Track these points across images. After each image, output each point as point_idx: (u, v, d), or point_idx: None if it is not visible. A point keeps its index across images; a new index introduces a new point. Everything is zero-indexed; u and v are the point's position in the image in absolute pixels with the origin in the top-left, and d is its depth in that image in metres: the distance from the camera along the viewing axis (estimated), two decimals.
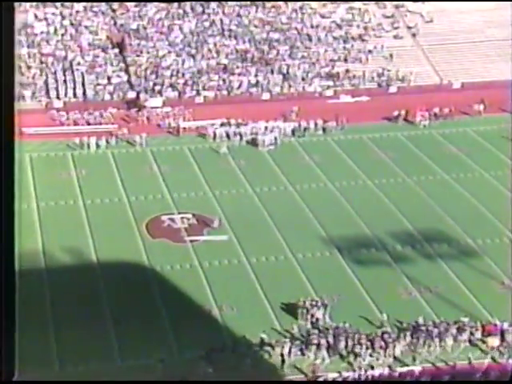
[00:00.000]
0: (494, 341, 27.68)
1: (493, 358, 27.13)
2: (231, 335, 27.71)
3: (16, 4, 48.07)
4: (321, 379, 25.85)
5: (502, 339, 27.78)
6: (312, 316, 28.61)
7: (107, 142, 43.15)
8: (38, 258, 31.97)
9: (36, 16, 53.33)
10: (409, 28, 57.50)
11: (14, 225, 11.91)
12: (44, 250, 32.62)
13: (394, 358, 26.86)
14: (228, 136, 44.40)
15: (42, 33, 52.32)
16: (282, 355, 26.67)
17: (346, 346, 27.08)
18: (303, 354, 26.97)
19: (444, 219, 36.22)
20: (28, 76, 49.26)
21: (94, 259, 32.36)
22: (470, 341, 27.96)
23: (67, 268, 31.90)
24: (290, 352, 26.72)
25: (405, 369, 26.46)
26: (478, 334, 28.01)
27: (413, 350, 27.35)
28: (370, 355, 26.80)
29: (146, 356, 26.26)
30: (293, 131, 45.14)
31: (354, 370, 26.24)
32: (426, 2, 58.94)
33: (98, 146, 42.73)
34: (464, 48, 55.21)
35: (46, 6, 53.71)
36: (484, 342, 27.88)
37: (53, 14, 53.81)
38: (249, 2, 56.80)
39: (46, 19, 53.32)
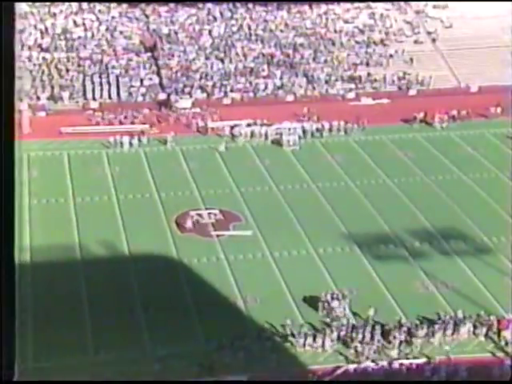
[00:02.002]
0: (508, 335, 27.88)
1: (506, 352, 27.31)
2: (255, 326, 28.19)
3: (57, 11, 49.50)
4: (342, 370, 26.13)
5: None
6: (332, 308, 28.81)
7: (139, 140, 43.93)
8: (74, 251, 32.94)
9: (75, 22, 54.44)
10: (429, 33, 57.59)
11: (14, 224, 11.82)
12: (80, 243, 33.51)
13: (411, 350, 27.15)
14: (253, 136, 44.99)
15: (79, 38, 53.44)
16: (304, 345, 27.10)
17: (365, 338, 27.23)
18: (323, 345, 27.18)
19: (460, 217, 36.32)
20: (66, 78, 50.36)
21: (126, 252, 33.11)
22: (485, 335, 28.00)
23: (101, 260, 32.36)
24: (314, 342, 27.25)
25: (421, 361, 26.53)
26: (493, 329, 28.06)
27: (429, 343, 27.45)
28: (394, 346, 27.10)
29: (173, 345, 26.65)
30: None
31: (374, 362, 26.41)
32: (445, 8, 58.92)
33: (130, 144, 43.54)
34: (481, 53, 54.96)
35: (84, 13, 54.76)
36: (499, 336, 27.91)
37: (90, 20, 54.94)
38: (275, 7, 57.39)
39: (83, 25, 54.42)
